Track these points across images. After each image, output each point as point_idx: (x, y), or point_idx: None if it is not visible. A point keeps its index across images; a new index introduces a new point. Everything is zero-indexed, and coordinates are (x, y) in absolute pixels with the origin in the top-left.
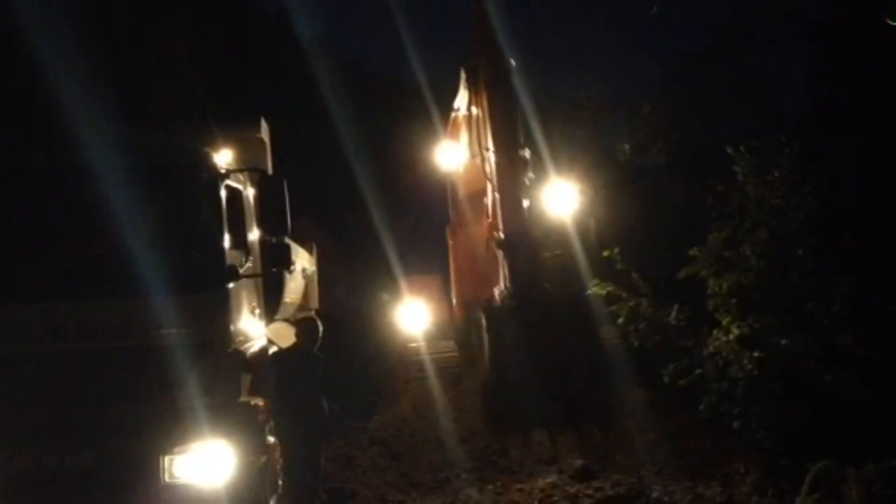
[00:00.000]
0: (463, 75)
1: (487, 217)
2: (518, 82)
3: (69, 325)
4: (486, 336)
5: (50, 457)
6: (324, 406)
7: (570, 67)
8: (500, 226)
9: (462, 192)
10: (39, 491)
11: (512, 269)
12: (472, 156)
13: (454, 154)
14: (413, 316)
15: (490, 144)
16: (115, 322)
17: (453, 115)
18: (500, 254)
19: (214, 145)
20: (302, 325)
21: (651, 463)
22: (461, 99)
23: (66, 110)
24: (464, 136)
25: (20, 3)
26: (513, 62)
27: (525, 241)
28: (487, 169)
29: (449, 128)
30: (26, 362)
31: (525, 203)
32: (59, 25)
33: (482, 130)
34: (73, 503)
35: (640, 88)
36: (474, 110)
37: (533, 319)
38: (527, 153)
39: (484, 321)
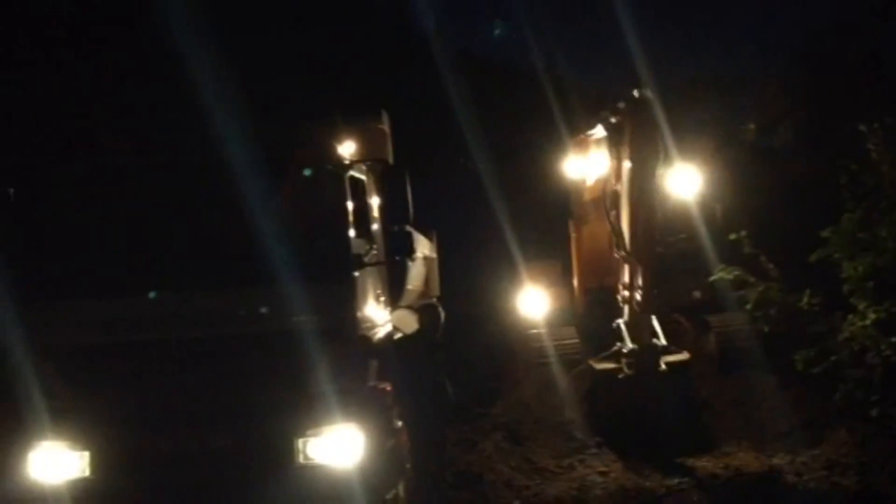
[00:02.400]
0: (602, 128)
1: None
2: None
3: (207, 313)
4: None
5: (192, 439)
6: (448, 391)
7: (690, 46)
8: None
9: (587, 197)
10: (183, 472)
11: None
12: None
13: (580, 170)
14: (533, 302)
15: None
16: (249, 310)
17: (584, 136)
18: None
19: (339, 137)
20: (424, 311)
21: (784, 451)
22: (598, 132)
23: (198, 110)
24: (594, 154)
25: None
26: (649, 94)
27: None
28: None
29: (579, 142)
30: (168, 349)
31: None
32: (187, 23)
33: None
34: (214, 483)
35: (764, 66)
36: (610, 158)
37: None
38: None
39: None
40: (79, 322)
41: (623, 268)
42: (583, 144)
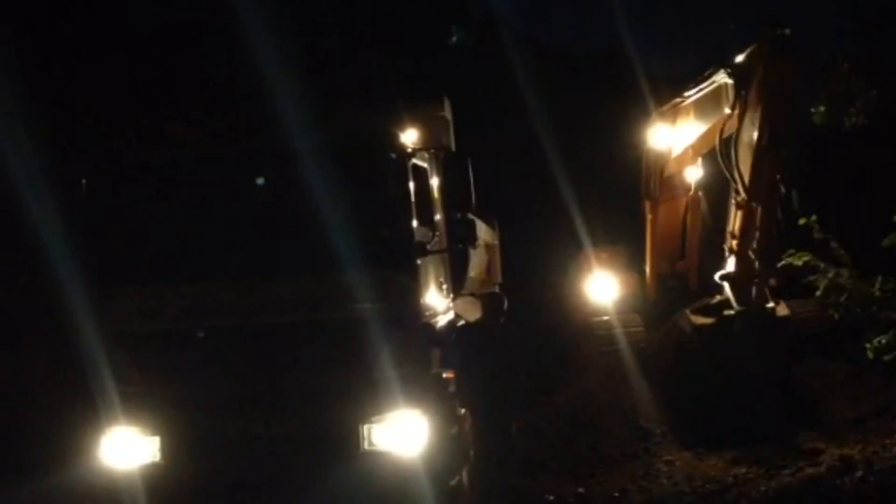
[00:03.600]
0: (728, 80)
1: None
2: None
3: (272, 300)
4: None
5: (258, 424)
6: (514, 379)
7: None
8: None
9: (671, 170)
10: (248, 456)
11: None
12: (726, 168)
13: (666, 140)
14: (599, 288)
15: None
16: (314, 297)
17: (678, 100)
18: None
19: (401, 125)
20: (488, 299)
21: (855, 441)
22: (700, 91)
23: (263, 99)
24: (684, 122)
25: None
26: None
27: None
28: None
29: (663, 112)
30: (234, 336)
31: None
32: (252, 14)
33: (739, 143)
34: (279, 468)
35: (831, 44)
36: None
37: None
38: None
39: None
40: (149, 308)
41: (735, 216)
42: (669, 114)
